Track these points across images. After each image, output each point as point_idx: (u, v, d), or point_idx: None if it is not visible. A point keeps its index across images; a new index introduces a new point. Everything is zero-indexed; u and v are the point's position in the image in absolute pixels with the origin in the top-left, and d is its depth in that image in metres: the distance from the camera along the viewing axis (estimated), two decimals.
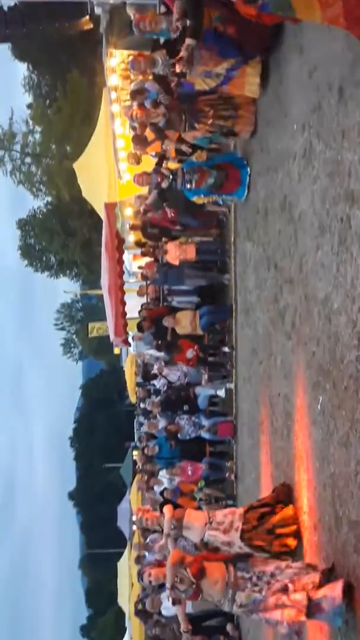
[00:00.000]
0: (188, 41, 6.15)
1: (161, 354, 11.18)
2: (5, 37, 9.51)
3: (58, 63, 29.07)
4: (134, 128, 9.14)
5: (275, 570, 4.76)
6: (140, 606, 10.37)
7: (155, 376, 12.18)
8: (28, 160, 32.25)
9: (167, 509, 5.81)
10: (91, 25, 9.69)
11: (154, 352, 11.75)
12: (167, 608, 9.50)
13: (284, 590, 4.60)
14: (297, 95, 5.67)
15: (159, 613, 9.59)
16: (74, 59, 27.22)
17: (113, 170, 12.54)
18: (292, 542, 5.55)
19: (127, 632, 21.77)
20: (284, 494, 5.86)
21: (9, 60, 32.44)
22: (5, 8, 9.47)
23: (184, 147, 8.16)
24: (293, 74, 5.83)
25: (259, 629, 7.94)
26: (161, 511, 5.99)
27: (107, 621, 47.08)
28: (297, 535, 5.57)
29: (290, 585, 4.58)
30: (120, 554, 22.94)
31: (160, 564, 6.32)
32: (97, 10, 10.14)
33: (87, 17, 9.31)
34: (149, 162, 9.55)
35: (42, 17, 9.17)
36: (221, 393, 10.42)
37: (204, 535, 5.58)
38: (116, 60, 11.07)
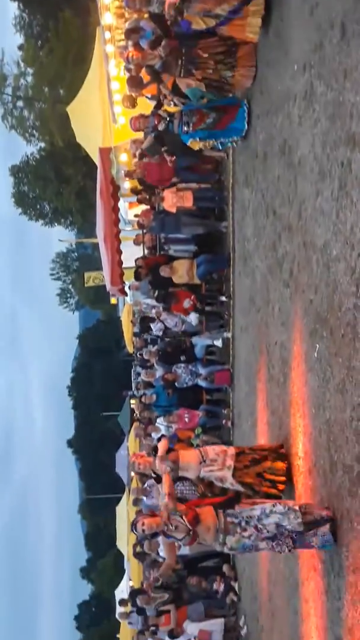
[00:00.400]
0: None
1: (158, 305, 11.16)
2: None
3: (50, 1, 27.96)
4: (129, 70, 8.84)
5: (261, 515, 4.89)
6: (138, 548, 10.66)
7: (152, 320, 12.16)
8: (20, 104, 31.40)
9: (163, 442, 6.01)
10: None
11: (150, 301, 11.72)
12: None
13: (273, 538, 4.78)
14: (298, 33, 5.46)
15: (157, 554, 9.87)
16: None
17: (108, 113, 12.22)
18: (280, 486, 5.76)
19: (125, 573, 22.50)
20: (277, 452, 6.00)
21: (1, 0, 31.21)
22: None
23: (176, 99, 7.89)
24: (294, 12, 5.60)
25: (255, 569, 8.20)
26: (155, 455, 6.14)
27: (106, 563, 48.63)
28: (285, 484, 5.76)
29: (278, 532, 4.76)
30: (119, 499, 23.49)
31: (153, 514, 6.47)
32: None
33: None
34: (145, 105, 9.28)
35: None
36: (218, 343, 10.45)
37: (200, 473, 5.79)
38: None
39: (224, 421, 10.29)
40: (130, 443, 20.41)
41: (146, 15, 8.01)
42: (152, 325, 12.16)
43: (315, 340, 4.97)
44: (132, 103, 9.09)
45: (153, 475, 7.06)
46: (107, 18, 10.95)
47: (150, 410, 11.67)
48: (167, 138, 8.85)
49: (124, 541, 19.55)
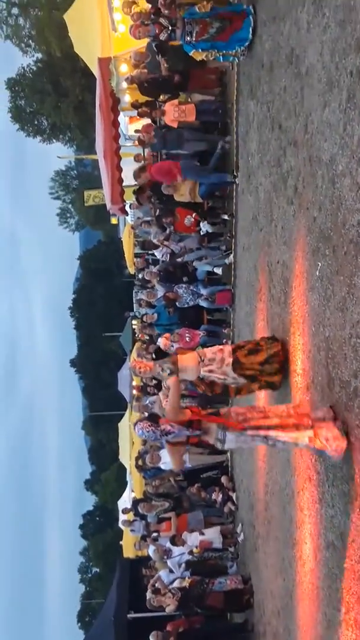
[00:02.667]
0: None
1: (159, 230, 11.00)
2: None
3: None
4: None
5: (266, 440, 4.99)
6: (140, 461, 11.05)
7: (155, 246, 12.06)
8: (15, 11, 29.78)
9: (164, 338, 6.21)
10: None
11: (152, 229, 11.47)
12: (166, 463, 10.15)
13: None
14: None
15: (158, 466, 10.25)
16: None
17: (107, 21, 11.58)
18: (277, 379, 6.06)
19: (128, 485, 23.45)
20: (271, 339, 6.27)
21: None
22: None
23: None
24: None
25: (252, 479, 8.52)
26: (155, 359, 6.33)
27: (109, 476, 50.58)
28: (282, 371, 6.04)
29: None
30: (121, 416, 24.16)
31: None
32: None
33: None
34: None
35: None
36: (218, 270, 10.38)
37: (200, 373, 5.95)
38: None
39: (224, 340, 10.41)
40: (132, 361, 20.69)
41: None
42: (156, 252, 12.03)
43: (317, 259, 4.93)
44: (131, 9, 8.63)
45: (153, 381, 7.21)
46: None
47: (151, 328, 11.77)
48: (167, 49, 8.44)
49: (127, 455, 20.24)
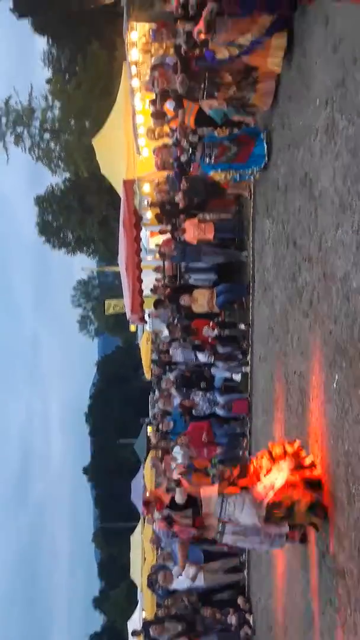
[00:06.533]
0: (210, 5, 5.93)
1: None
2: (27, 11, 9.46)
3: (78, 36, 28.78)
4: (153, 102, 9.09)
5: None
6: (153, 577, 10.54)
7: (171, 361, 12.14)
8: (47, 136, 32.11)
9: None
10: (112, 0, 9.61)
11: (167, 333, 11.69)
12: (180, 582, 9.68)
13: None
14: (321, 69, 5.58)
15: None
16: (94, 33, 26.92)
17: (132, 145, 12.47)
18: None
19: (138, 604, 22.15)
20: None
21: (29, 36, 32.18)
22: None
23: (191, 136, 8.18)
24: (317, 48, 5.74)
25: (270, 600, 8.06)
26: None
27: (119, 594, 47.93)
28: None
29: None
30: (133, 528, 23.26)
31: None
32: None
33: None
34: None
35: None
36: (237, 377, 10.41)
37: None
38: (137, 34, 10.95)
39: (241, 452, 10.23)
40: (146, 471, 20.26)
41: (172, 50, 8.25)
42: (173, 351, 12.10)
43: (334, 371, 4.98)
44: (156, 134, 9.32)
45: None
46: (134, 54, 11.25)
47: (167, 439, 11.63)
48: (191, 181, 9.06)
49: (138, 571, 19.32)
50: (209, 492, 5.83)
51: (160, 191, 11.15)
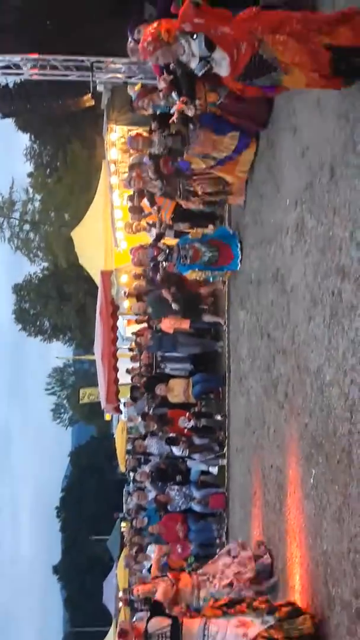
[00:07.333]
0: (181, 106, 6.08)
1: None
2: (11, 112, 10.00)
3: (60, 135, 30.12)
4: (131, 198, 9.44)
5: None
6: None
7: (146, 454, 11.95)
8: (27, 227, 32.88)
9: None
10: (93, 103, 10.20)
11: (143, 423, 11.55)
12: None
13: None
14: (290, 172, 5.88)
15: None
16: (76, 132, 28.23)
17: (110, 238, 12.82)
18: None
19: None
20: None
21: (12, 132, 33.56)
22: (12, 85, 10.01)
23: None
24: (286, 152, 6.07)
25: None
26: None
27: None
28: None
29: None
30: (105, 633, 21.88)
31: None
32: (100, 88, 10.66)
33: (90, 94, 9.78)
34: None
35: (46, 94, 9.65)
36: (214, 470, 10.22)
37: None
38: (116, 135, 11.53)
39: (217, 550, 9.84)
40: (119, 571, 19.35)
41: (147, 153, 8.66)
42: (149, 442, 11.90)
43: (311, 466, 4.90)
44: (133, 230, 9.62)
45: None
46: (113, 153, 11.80)
47: (141, 535, 11.20)
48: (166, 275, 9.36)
49: None
50: (191, 624, 5.36)
51: (137, 277, 11.36)
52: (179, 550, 9.25)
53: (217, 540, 9.95)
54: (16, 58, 9.29)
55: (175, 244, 8.86)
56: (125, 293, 11.77)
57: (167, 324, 10.16)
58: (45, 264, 34.03)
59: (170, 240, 9.30)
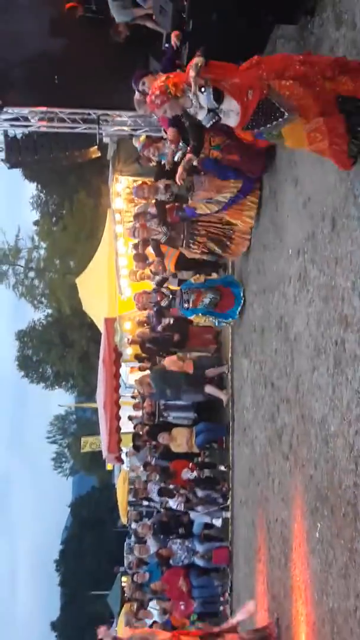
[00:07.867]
0: (189, 156, 6.18)
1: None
2: (18, 163, 10.20)
3: (66, 184, 30.76)
4: (135, 246, 9.55)
5: None
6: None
7: (148, 499, 11.72)
8: (32, 274, 33.20)
9: None
10: (99, 154, 10.43)
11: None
12: None
13: None
14: (292, 222, 5.94)
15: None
16: (82, 181, 28.83)
17: (114, 286, 12.89)
18: None
19: None
20: None
21: (20, 181, 34.28)
22: (19, 136, 10.27)
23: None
24: (288, 203, 6.15)
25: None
26: None
27: None
28: None
29: None
30: None
31: None
32: (105, 140, 10.93)
33: (96, 146, 10.03)
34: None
35: (53, 146, 9.87)
36: (217, 523, 9.97)
37: None
38: (121, 186, 11.72)
39: (221, 607, 9.52)
40: (119, 628, 18.65)
41: (153, 202, 8.80)
42: (151, 487, 11.65)
43: (316, 519, 4.78)
44: (138, 277, 9.69)
45: None
46: (118, 203, 11.97)
47: (142, 591, 10.84)
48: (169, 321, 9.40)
49: None
50: None
51: (141, 324, 11.37)
52: (182, 607, 8.94)
53: (221, 598, 9.63)
54: (24, 111, 9.52)
55: (178, 289, 8.90)
56: (128, 340, 11.76)
57: (172, 363, 10.11)
58: (49, 311, 34.21)
59: (173, 286, 9.36)
